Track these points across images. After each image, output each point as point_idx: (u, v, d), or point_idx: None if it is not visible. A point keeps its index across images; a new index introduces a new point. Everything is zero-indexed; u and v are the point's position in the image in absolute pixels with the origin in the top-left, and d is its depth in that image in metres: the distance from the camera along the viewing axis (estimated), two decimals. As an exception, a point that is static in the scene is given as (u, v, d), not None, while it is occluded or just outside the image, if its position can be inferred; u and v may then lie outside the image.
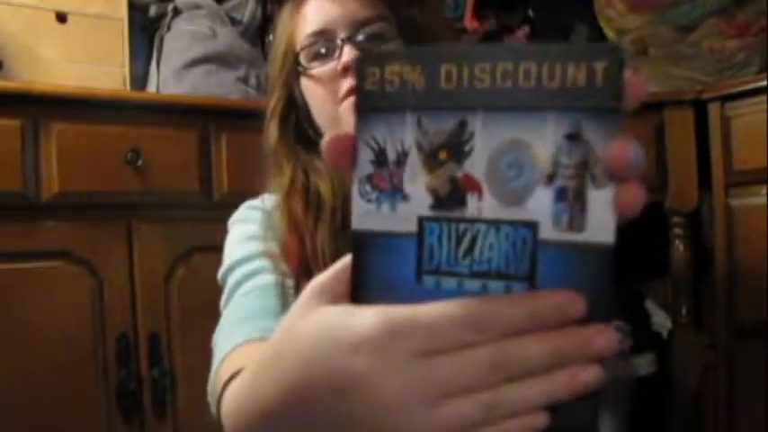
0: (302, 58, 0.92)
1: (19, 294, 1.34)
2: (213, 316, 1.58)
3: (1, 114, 1.34)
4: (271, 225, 0.92)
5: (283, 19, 0.97)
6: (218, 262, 1.64)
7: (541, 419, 0.37)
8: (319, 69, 0.91)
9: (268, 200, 0.97)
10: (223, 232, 1.66)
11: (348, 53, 0.88)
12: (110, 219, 1.46)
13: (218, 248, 1.55)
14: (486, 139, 0.40)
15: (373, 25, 0.90)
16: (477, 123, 0.41)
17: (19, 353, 1.33)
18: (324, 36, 0.90)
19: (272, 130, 0.96)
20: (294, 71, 0.94)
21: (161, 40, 1.79)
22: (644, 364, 1.80)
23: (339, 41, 0.89)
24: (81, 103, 1.44)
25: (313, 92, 0.92)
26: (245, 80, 1.80)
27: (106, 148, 1.44)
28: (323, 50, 0.90)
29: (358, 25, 0.89)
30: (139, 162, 1.46)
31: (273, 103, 0.96)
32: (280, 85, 0.96)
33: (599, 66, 0.38)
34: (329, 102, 0.91)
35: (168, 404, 1.49)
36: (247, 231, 0.94)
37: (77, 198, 1.42)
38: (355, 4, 0.89)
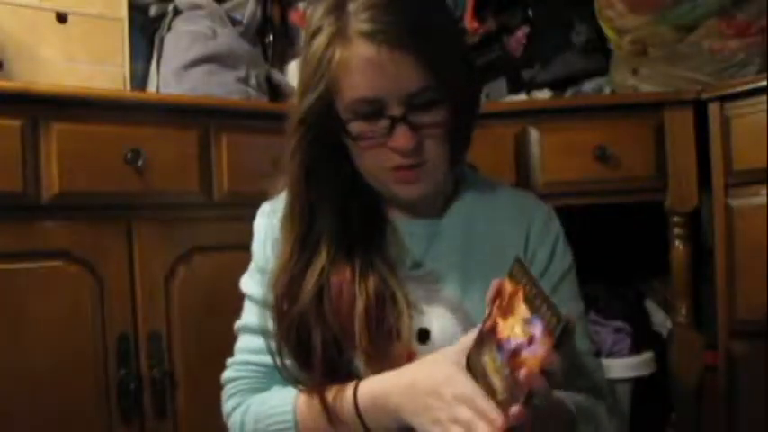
0: (345, 115, 0.90)
1: (19, 294, 1.34)
2: (213, 316, 1.57)
3: (1, 114, 1.34)
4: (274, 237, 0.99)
5: (320, 45, 0.89)
6: (219, 261, 1.63)
7: None
8: (364, 129, 0.90)
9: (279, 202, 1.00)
10: (223, 232, 1.65)
11: (402, 133, 0.88)
12: (110, 219, 1.46)
13: (218, 248, 1.56)
14: None
15: (423, 96, 0.88)
16: None
17: (19, 353, 1.33)
18: (374, 105, 0.88)
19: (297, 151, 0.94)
20: (330, 110, 0.91)
21: (161, 41, 1.79)
22: (644, 364, 1.80)
23: (391, 117, 0.88)
24: (81, 103, 1.44)
25: (354, 146, 0.92)
26: (244, 80, 1.80)
27: (106, 148, 1.44)
28: (370, 112, 0.89)
29: (410, 98, 0.87)
30: (140, 162, 1.46)
31: (296, 137, 0.93)
32: (311, 115, 0.92)
33: None
34: (371, 160, 0.92)
35: (168, 404, 1.49)
36: (254, 262, 1.04)
37: (77, 198, 1.42)
38: (406, 71, 0.86)
